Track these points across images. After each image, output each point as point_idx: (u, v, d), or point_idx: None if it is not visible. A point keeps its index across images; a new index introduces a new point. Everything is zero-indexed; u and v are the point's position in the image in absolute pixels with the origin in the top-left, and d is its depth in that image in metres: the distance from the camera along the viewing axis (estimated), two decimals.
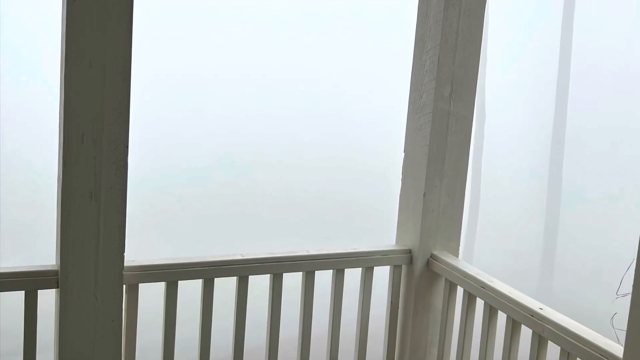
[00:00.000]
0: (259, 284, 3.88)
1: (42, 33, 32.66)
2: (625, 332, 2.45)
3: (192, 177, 29.48)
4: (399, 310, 4.07)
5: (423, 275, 3.99)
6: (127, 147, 3.04)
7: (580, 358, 2.98)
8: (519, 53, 40.30)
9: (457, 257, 4.01)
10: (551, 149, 25.78)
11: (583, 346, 2.94)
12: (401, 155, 4.05)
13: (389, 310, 4.07)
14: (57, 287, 3.09)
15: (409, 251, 4.01)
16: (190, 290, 3.89)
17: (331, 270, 3.86)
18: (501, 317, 3.50)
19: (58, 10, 2.96)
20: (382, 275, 4.10)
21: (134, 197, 4.12)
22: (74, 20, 2.85)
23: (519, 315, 3.32)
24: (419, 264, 3.97)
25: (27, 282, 3.14)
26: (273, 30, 42.60)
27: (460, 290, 3.83)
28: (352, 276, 4.03)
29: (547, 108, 28.96)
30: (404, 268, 4.04)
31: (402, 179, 4.08)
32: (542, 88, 33.74)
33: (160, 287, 3.43)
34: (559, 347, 3.08)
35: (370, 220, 25.30)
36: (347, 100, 39.96)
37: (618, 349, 2.81)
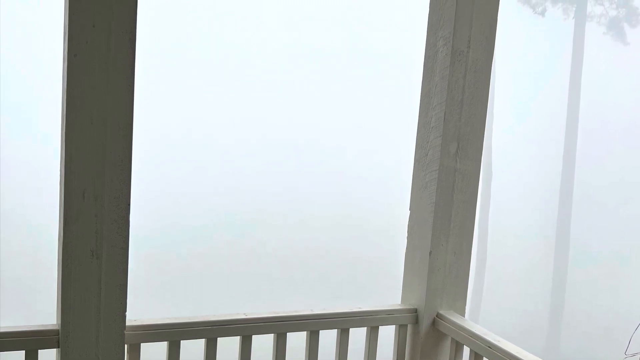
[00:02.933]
0: (263, 344, 3.83)
1: (42, 89, 32.91)
2: None
3: (195, 236, 29.50)
4: None
5: (429, 335, 3.93)
6: (129, 204, 3.01)
7: None
8: (526, 110, 40.48)
9: (464, 316, 3.96)
10: (559, 206, 25.81)
11: None
12: (407, 213, 4.01)
13: None
14: (58, 347, 3.05)
15: (415, 310, 3.96)
16: (192, 350, 3.84)
17: (336, 330, 3.81)
18: None
19: (58, 66, 2.95)
20: (387, 335, 4.05)
21: (136, 255, 4.09)
22: (75, 76, 2.84)
23: None
24: (425, 324, 3.92)
25: (28, 342, 3.09)
26: (276, 87, 42.87)
27: (466, 351, 3.77)
28: (357, 336, 3.98)
29: (554, 166, 29.04)
30: (409, 327, 3.98)
31: (407, 237, 4.05)
32: (549, 145, 33.84)
33: (162, 347, 3.38)
34: None
35: (375, 279, 25.24)
36: (352, 157, 40.11)
37: None
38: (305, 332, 3.73)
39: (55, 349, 3.08)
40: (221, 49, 43.64)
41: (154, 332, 3.33)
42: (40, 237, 24.36)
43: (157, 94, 37.01)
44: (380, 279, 24.34)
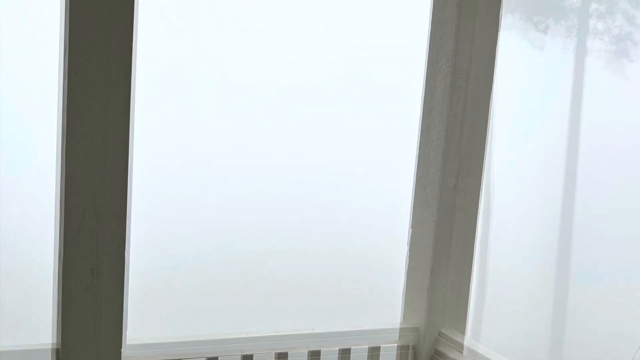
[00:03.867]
0: None
1: (35, 117, 32.93)
2: None
3: (195, 254, 29.44)
4: None
5: (430, 354, 3.93)
6: (129, 222, 3.02)
7: None
8: (526, 136, 40.49)
9: (466, 335, 3.95)
10: (559, 233, 25.80)
11: None
12: (408, 231, 4.01)
13: None
14: None
15: (416, 329, 3.96)
16: None
17: (337, 349, 3.81)
18: None
19: (53, 90, 2.96)
20: (388, 354, 4.04)
21: (136, 273, 4.08)
22: (75, 93, 2.86)
23: None
24: (427, 343, 3.92)
25: None
26: (275, 114, 42.91)
27: None
28: (358, 356, 3.97)
29: (554, 193, 29.05)
30: (410, 347, 3.98)
31: (408, 256, 4.05)
32: (549, 172, 33.84)
33: None
34: None
35: (377, 298, 25.20)
36: (352, 178, 40.12)
37: None
38: (306, 351, 3.73)
39: None
40: (220, 73, 43.68)
41: (154, 351, 3.33)
42: (40, 256, 24.34)
43: (157, 114, 37.04)
44: (381, 297, 24.30)
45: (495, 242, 28.49)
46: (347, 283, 29.01)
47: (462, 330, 3.97)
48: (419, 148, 3.94)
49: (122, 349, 3.10)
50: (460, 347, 3.77)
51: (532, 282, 29.43)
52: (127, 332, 3.11)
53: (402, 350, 3.98)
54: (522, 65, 35.59)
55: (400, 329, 3.97)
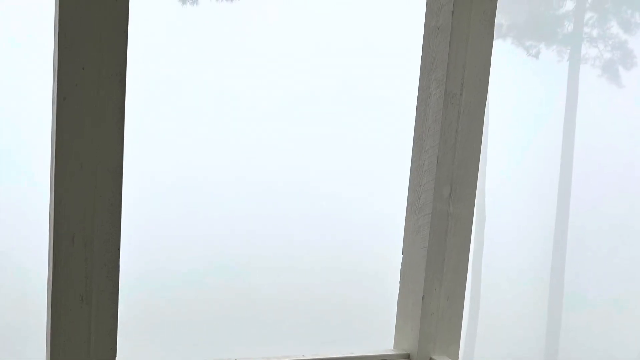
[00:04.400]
0: None
1: (31, 132, 32.93)
2: None
3: (185, 280, 29.37)
4: None
5: None
6: (119, 248, 2.99)
7: None
8: (520, 154, 40.57)
9: None
10: (553, 250, 25.76)
11: None
12: (399, 257, 3.99)
13: None
14: None
15: (408, 356, 3.92)
16: None
17: None
18: None
19: (48, 109, 2.94)
20: None
21: (126, 300, 4.05)
22: (64, 119, 2.83)
23: None
24: None
25: None
26: (268, 130, 42.91)
27: None
28: None
29: (548, 209, 29.05)
30: None
31: (400, 282, 4.03)
32: (543, 189, 33.90)
33: None
34: None
35: (368, 324, 25.09)
36: (345, 201, 40.07)
37: None
38: None
39: None
40: (213, 90, 43.78)
41: None
42: (29, 282, 24.25)
43: (147, 136, 37.05)
44: (373, 323, 24.22)
45: (488, 269, 28.48)
46: (342, 301, 28.95)
47: (454, 357, 3.95)
48: (411, 174, 3.93)
49: None
50: None
51: (525, 307, 29.41)
52: (117, 358, 3.08)
53: None
54: (517, 75, 35.76)
55: (392, 355, 3.94)
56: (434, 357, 3.87)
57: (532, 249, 34.37)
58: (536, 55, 28.03)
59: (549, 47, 27.96)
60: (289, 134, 43.39)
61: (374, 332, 21.90)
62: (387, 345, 4.26)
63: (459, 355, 3.98)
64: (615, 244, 34.78)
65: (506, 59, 25.93)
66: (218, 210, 37.86)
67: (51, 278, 2.92)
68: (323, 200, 40.20)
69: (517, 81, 38.03)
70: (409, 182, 3.94)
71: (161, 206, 36.83)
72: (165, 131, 41.24)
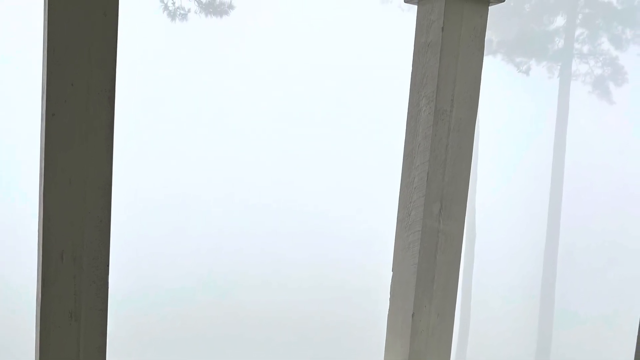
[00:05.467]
0: None
1: (20, 149, 32.86)
2: None
3: (175, 297, 29.30)
4: None
5: None
6: (108, 265, 2.97)
7: None
8: (511, 170, 40.63)
9: None
10: (543, 267, 25.77)
11: None
12: (389, 274, 3.98)
13: None
14: None
15: None
16: None
17: None
18: None
19: (37, 125, 2.93)
20: None
21: (116, 317, 4.03)
22: (53, 135, 2.82)
23: None
24: None
25: None
26: (256, 147, 42.91)
27: None
28: None
29: (539, 226, 29.06)
30: None
31: (390, 299, 4.01)
32: (534, 206, 33.93)
33: None
34: None
35: (358, 341, 25.04)
36: (334, 218, 40.04)
37: None
38: None
39: None
40: (202, 107, 43.80)
41: None
42: (18, 299, 24.16)
43: (137, 152, 37.02)
44: (362, 341, 24.17)
45: (478, 285, 28.47)
46: (331, 318, 28.89)
47: None
48: (401, 190, 3.92)
49: None
50: None
51: (515, 325, 29.40)
52: None
53: None
54: (507, 91, 35.83)
55: None
56: None
57: (523, 266, 34.39)
58: (527, 72, 28.05)
59: (540, 63, 28.00)
60: (278, 151, 43.42)
61: (363, 350, 21.87)
62: None
63: None
64: (605, 260, 34.83)
65: (497, 76, 25.97)
66: (207, 227, 37.81)
67: (40, 295, 2.90)
68: (312, 218, 40.17)
69: (508, 97, 38.13)
70: (399, 198, 3.93)
71: (150, 223, 36.76)
72: (155, 148, 41.23)
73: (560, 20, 27.60)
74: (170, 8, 19.18)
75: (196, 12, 19.53)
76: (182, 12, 19.30)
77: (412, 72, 3.82)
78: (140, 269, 31.47)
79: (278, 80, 45.35)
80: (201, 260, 34.28)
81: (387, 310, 4.03)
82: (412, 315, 3.80)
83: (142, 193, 37.19)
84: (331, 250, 37.02)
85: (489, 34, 23.61)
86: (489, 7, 3.77)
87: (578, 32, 27.70)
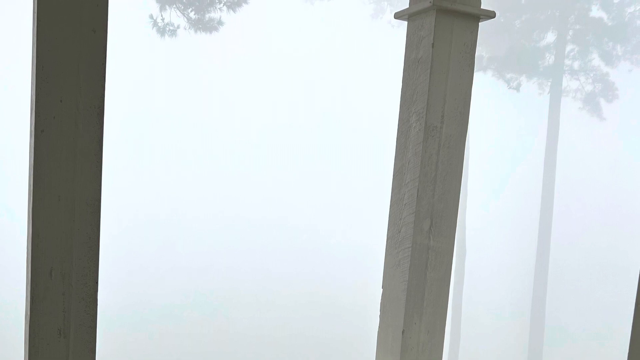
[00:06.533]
0: None
1: (8, 165, 32.79)
2: None
3: (164, 315, 29.21)
4: None
5: None
6: (97, 282, 2.96)
7: None
8: (501, 187, 40.68)
9: None
10: (534, 284, 25.74)
11: None
12: (380, 291, 3.97)
13: None
14: None
15: None
16: None
17: None
18: None
19: (25, 142, 2.92)
20: None
21: (104, 334, 4.01)
22: (42, 152, 2.81)
23: None
24: None
25: None
26: (246, 163, 42.92)
27: None
28: None
29: (529, 243, 29.09)
30: None
31: (380, 316, 4.00)
32: (524, 223, 33.96)
33: None
34: None
35: (348, 358, 25.00)
36: (324, 235, 40.02)
37: None
38: None
39: None
40: (192, 124, 43.81)
41: None
42: (7, 316, 24.06)
43: (126, 169, 36.99)
44: (353, 358, 24.14)
45: (468, 302, 28.47)
46: (321, 335, 28.83)
47: None
48: (391, 206, 3.91)
49: None
50: None
51: (506, 342, 29.38)
52: None
53: None
54: (497, 107, 35.90)
55: None
56: None
57: (513, 282, 34.37)
58: (517, 88, 28.05)
59: (530, 79, 28.03)
60: (268, 168, 43.43)
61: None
62: None
63: None
64: (596, 277, 34.87)
65: (487, 92, 26.01)
66: (197, 244, 37.74)
67: (29, 312, 2.89)
68: (302, 234, 40.14)
69: (498, 114, 38.22)
70: (389, 215, 3.93)
71: (140, 240, 36.69)
72: (144, 164, 41.21)
73: (550, 37, 27.65)
74: (159, 24, 19.17)
75: (185, 29, 19.53)
76: (171, 28, 19.29)
77: (402, 88, 3.82)
78: (130, 286, 31.35)
79: (268, 96, 45.41)
80: (191, 277, 34.17)
81: (377, 327, 4.02)
82: (403, 332, 3.79)
83: (132, 209, 37.12)
84: (321, 267, 36.96)
85: (479, 50, 23.67)
86: (479, 23, 3.77)
87: (569, 48, 27.75)
